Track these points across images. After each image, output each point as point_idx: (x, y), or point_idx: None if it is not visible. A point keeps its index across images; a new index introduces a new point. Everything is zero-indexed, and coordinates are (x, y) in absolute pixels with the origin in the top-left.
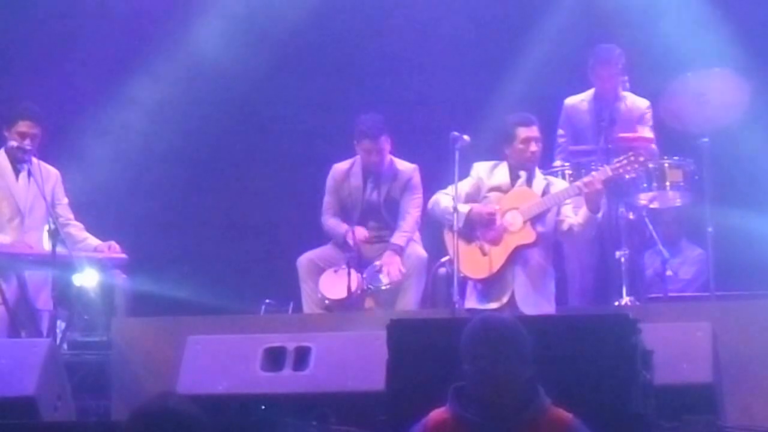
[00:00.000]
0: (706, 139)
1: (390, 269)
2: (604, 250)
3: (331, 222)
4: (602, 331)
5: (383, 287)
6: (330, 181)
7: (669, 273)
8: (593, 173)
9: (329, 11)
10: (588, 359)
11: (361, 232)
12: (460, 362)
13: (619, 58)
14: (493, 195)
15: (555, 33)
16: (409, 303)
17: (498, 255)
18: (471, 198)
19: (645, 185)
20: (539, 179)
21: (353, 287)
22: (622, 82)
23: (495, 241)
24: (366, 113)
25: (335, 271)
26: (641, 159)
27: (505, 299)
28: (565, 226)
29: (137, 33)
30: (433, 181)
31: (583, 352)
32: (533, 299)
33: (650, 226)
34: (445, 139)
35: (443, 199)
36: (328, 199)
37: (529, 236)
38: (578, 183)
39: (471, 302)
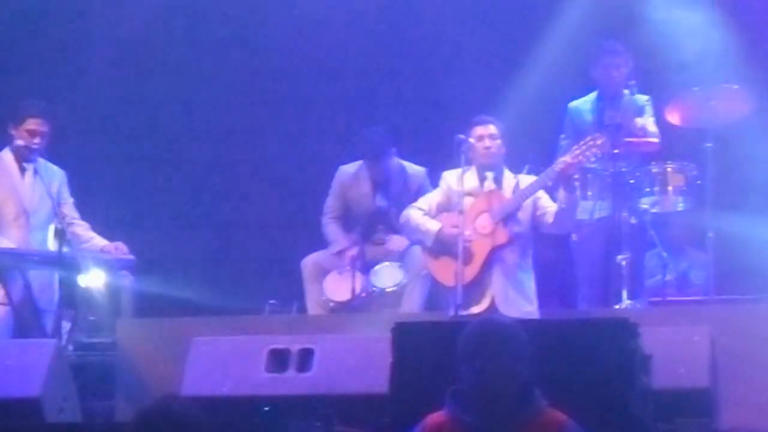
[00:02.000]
0: (709, 144)
1: (396, 243)
2: (606, 253)
3: (332, 228)
4: (602, 335)
5: (388, 290)
6: (336, 184)
7: (668, 278)
8: (557, 163)
9: (338, 13)
10: (587, 362)
11: (352, 254)
12: (457, 363)
13: (623, 52)
14: (466, 201)
15: (565, 38)
16: (413, 305)
17: (474, 260)
18: (442, 208)
19: (647, 189)
20: (509, 179)
21: (357, 289)
22: (629, 85)
23: (469, 249)
24: (369, 127)
25: (340, 273)
26: (599, 142)
27: (485, 303)
28: (548, 218)
29: (143, 32)
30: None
31: (583, 356)
32: (513, 300)
33: (651, 231)
34: (451, 142)
35: (414, 214)
36: (331, 202)
37: (502, 237)
38: (543, 175)
39: (453, 310)
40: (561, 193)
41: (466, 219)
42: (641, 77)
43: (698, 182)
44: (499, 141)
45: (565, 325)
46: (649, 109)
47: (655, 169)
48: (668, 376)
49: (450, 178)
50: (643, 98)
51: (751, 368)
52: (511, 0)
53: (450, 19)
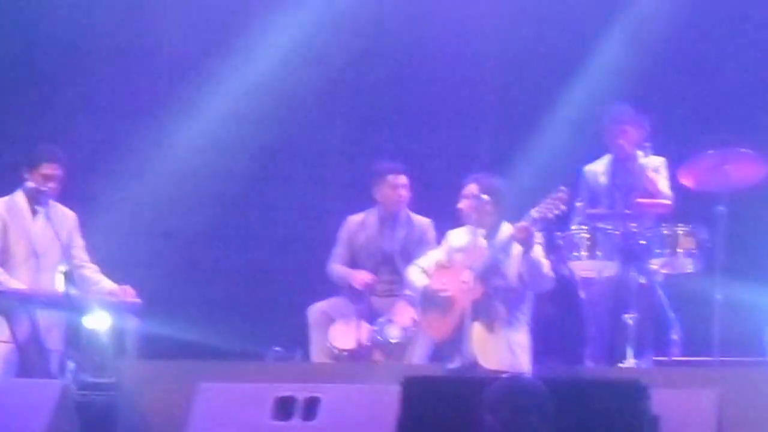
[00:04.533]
0: (721, 208)
1: (401, 318)
2: (613, 312)
3: (337, 268)
4: (613, 395)
5: (393, 340)
6: (343, 233)
7: (674, 338)
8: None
9: (350, 62)
10: (597, 422)
11: (360, 277)
12: (482, 412)
13: (629, 116)
14: (458, 257)
15: (583, 98)
16: (418, 356)
17: (452, 315)
18: (441, 265)
19: (657, 251)
20: (503, 233)
21: (363, 339)
22: (643, 146)
23: (452, 303)
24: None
25: (346, 322)
26: (561, 195)
27: (466, 357)
28: (525, 276)
29: (157, 78)
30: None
31: (593, 415)
32: (494, 354)
33: (660, 291)
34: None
35: (412, 271)
36: (338, 250)
37: (476, 292)
38: (510, 230)
39: (437, 363)
40: (516, 252)
41: (453, 274)
42: (657, 137)
43: (708, 246)
44: (472, 201)
45: (577, 385)
46: (663, 171)
47: (665, 231)
48: None
49: (451, 236)
50: (657, 160)
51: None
52: (529, 60)
53: (464, 73)
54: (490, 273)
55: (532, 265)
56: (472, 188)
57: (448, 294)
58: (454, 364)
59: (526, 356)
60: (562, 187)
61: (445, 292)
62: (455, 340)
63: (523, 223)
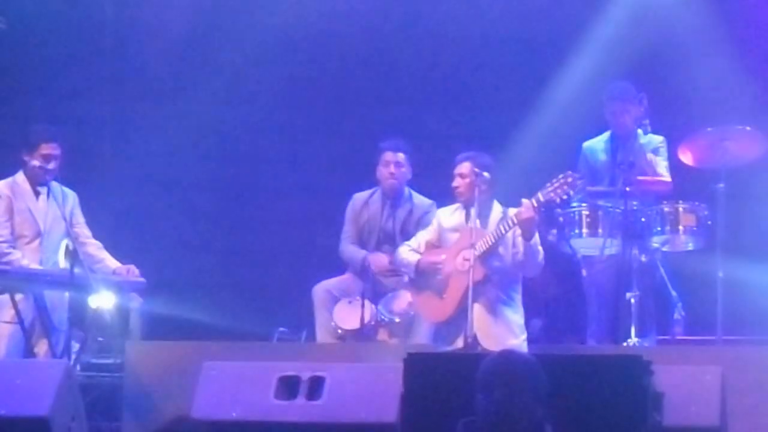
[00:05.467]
0: (721, 185)
1: (399, 302)
2: (615, 290)
3: (350, 248)
4: (615, 372)
5: (397, 319)
6: (349, 210)
7: (677, 316)
8: (524, 200)
9: (352, 41)
10: (599, 398)
11: (379, 259)
12: (474, 392)
13: (631, 95)
14: (451, 237)
15: (582, 76)
16: (422, 336)
17: (453, 296)
18: (431, 245)
19: (658, 228)
20: (496, 213)
21: (367, 318)
22: (643, 124)
23: (449, 284)
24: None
25: (350, 302)
26: (570, 180)
27: (469, 338)
28: (519, 257)
29: (161, 58)
30: None
31: (595, 392)
32: (494, 334)
33: (662, 269)
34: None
35: (401, 250)
36: (347, 228)
37: (478, 273)
38: (511, 213)
39: (437, 344)
40: (519, 240)
41: (449, 255)
42: (657, 114)
43: (709, 223)
44: (468, 179)
45: (578, 361)
46: (663, 151)
47: (666, 208)
48: (679, 415)
49: (441, 215)
50: (657, 139)
51: (761, 408)
52: (529, 37)
53: (465, 52)
54: (489, 254)
55: (529, 250)
56: (467, 166)
57: (444, 272)
58: (455, 346)
59: (524, 336)
60: (571, 172)
61: (439, 269)
62: (455, 322)
63: (530, 208)
